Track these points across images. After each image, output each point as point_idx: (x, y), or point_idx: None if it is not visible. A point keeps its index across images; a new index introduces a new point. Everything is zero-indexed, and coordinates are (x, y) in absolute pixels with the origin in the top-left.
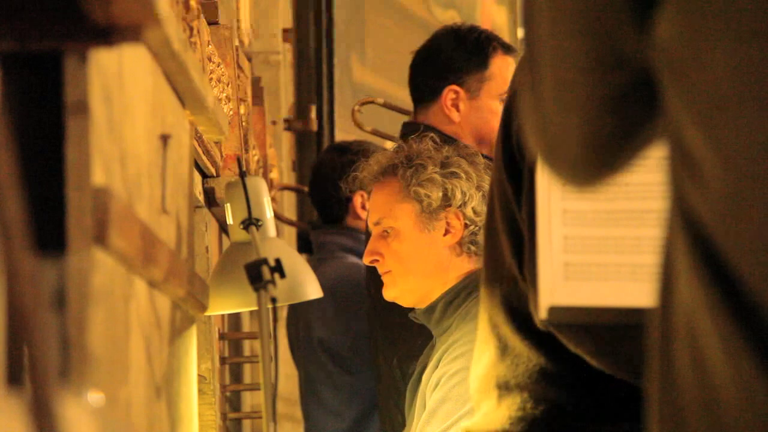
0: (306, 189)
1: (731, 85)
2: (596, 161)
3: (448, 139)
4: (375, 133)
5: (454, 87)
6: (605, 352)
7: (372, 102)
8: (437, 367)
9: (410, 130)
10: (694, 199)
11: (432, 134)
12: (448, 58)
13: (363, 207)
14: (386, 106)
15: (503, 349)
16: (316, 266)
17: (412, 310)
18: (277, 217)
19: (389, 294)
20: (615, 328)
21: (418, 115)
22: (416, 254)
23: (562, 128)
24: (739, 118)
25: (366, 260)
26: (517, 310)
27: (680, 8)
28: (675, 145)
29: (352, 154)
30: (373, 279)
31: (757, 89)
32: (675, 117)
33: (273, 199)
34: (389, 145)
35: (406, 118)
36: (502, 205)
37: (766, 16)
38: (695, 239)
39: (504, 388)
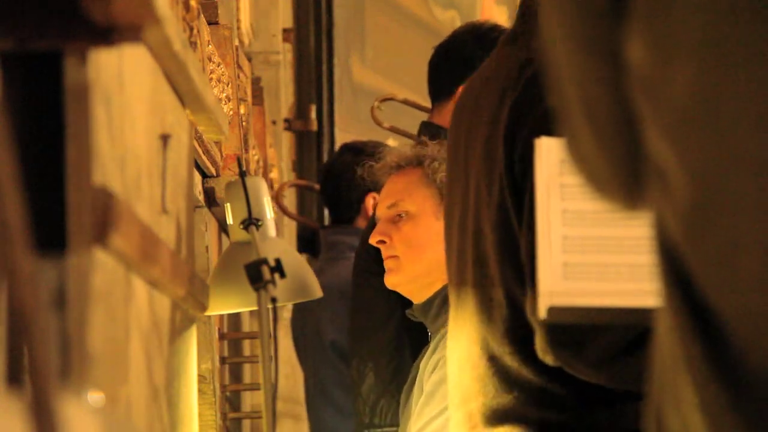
0: (316, 186)
1: (693, 102)
2: (633, 183)
3: None
4: (393, 130)
5: None
6: (602, 369)
7: (392, 99)
8: (435, 351)
9: (428, 130)
10: (666, 215)
11: None
12: (466, 56)
13: (374, 208)
14: (406, 102)
15: (506, 382)
16: (326, 266)
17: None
18: (286, 213)
19: (391, 281)
20: (611, 348)
21: (435, 114)
22: (428, 241)
23: (595, 152)
24: (701, 133)
25: (373, 240)
26: (523, 337)
27: (646, 28)
28: (649, 160)
29: (366, 155)
30: (353, 278)
31: (715, 107)
32: (647, 132)
33: (282, 195)
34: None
35: (425, 116)
36: (498, 229)
37: (723, 37)
38: (667, 257)
39: (503, 418)
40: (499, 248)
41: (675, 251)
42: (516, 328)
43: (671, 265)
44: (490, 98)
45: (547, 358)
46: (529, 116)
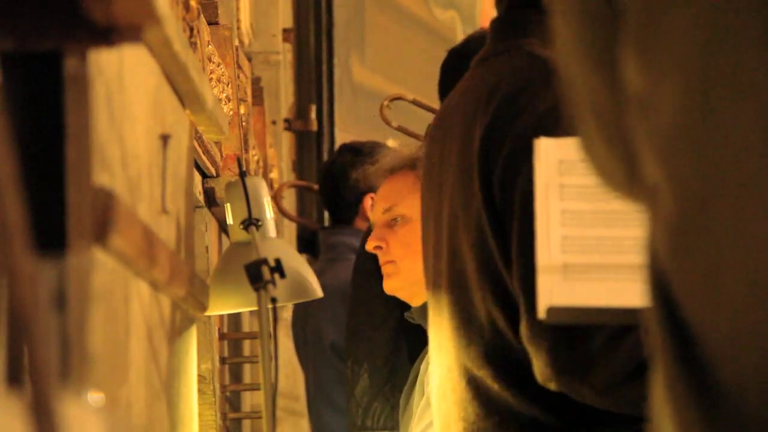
0: (315, 187)
1: (679, 121)
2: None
3: None
4: (401, 129)
5: None
6: (607, 395)
7: (401, 98)
8: None
9: None
10: (655, 232)
11: None
12: None
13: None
14: (415, 103)
15: (486, 406)
16: (326, 267)
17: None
18: (285, 215)
19: (390, 286)
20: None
21: None
22: None
23: (606, 155)
24: (687, 153)
25: (369, 246)
26: (504, 360)
27: (637, 46)
28: (642, 176)
29: (365, 155)
30: (354, 279)
31: (702, 127)
32: (639, 148)
33: (281, 196)
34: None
35: (430, 117)
36: (476, 250)
37: (712, 58)
38: (655, 274)
39: None
40: (479, 269)
41: (662, 269)
42: (497, 350)
43: (658, 282)
44: (463, 120)
45: (550, 384)
46: (503, 142)
